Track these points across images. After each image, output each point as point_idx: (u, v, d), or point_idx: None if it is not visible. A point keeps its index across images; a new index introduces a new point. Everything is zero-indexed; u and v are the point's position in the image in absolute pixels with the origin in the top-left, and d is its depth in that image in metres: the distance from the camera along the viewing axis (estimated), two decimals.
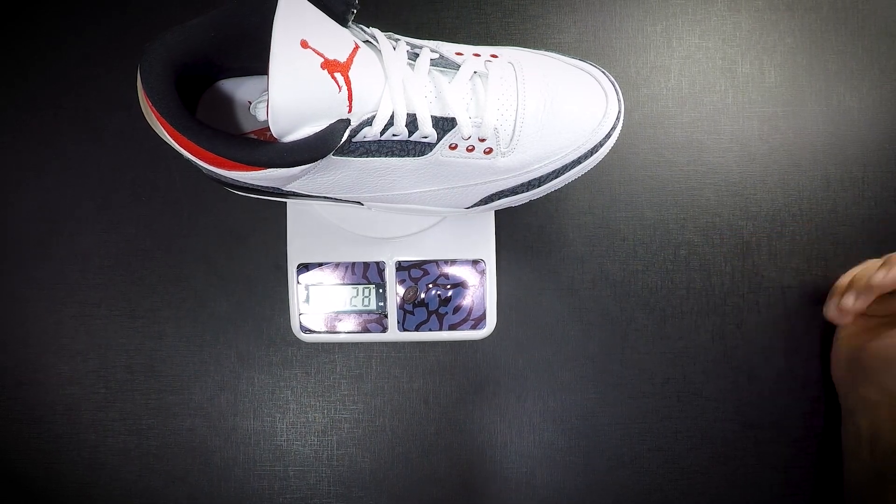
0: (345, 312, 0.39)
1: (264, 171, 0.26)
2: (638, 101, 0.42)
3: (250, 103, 0.32)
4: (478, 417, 0.42)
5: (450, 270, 0.39)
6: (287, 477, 0.42)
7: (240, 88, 0.32)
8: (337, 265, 0.39)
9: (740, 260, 0.42)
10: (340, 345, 0.42)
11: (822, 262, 0.42)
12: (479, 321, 0.39)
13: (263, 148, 0.25)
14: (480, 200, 0.33)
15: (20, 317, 0.42)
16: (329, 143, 0.25)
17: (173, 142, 0.26)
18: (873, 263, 0.38)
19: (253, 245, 0.42)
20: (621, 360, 0.42)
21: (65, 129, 0.41)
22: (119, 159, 0.42)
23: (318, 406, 0.42)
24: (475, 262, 0.39)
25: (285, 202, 0.39)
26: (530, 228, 0.42)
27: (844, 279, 0.39)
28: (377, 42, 0.28)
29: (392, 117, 0.27)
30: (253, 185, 0.30)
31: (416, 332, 0.39)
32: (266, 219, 0.41)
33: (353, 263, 0.39)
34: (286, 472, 0.42)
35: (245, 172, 0.26)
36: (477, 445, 0.42)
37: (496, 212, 0.39)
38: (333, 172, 0.29)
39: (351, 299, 0.39)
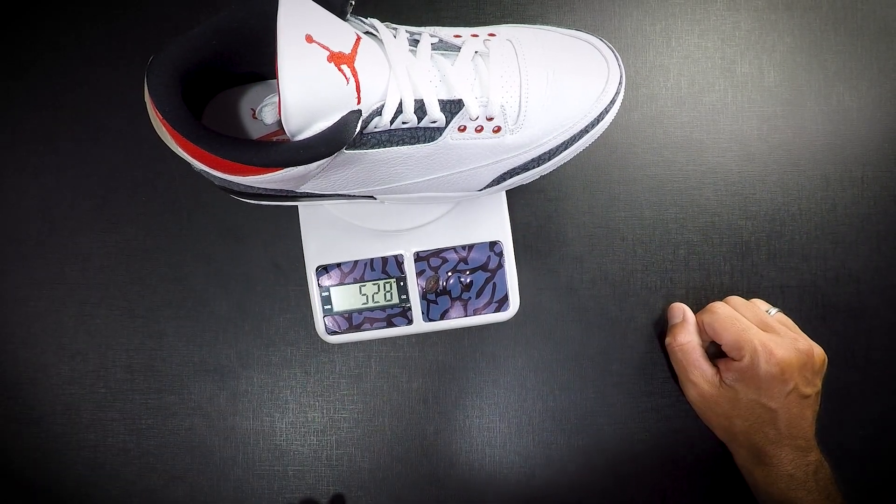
0: (368, 309, 0.39)
1: (281, 171, 0.26)
2: (637, 101, 0.42)
3: (254, 110, 0.32)
4: (477, 417, 0.42)
5: (468, 255, 0.39)
6: (286, 476, 0.42)
7: (240, 98, 0.32)
8: (355, 263, 0.39)
9: (739, 259, 0.42)
10: (339, 345, 0.42)
11: (822, 261, 0.42)
12: (502, 303, 0.39)
13: (280, 147, 0.25)
14: (492, 181, 0.33)
15: (20, 317, 0.42)
16: (344, 134, 0.25)
17: (185, 153, 0.26)
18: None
19: (253, 245, 0.42)
20: (621, 359, 0.42)
21: (65, 129, 0.42)
22: (119, 159, 0.42)
23: (318, 406, 0.42)
24: (492, 244, 0.39)
25: (296, 207, 0.39)
26: (529, 228, 0.42)
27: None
28: (377, 32, 0.28)
29: (400, 105, 0.27)
30: (267, 189, 0.30)
31: (441, 321, 0.39)
32: (266, 218, 0.41)
33: (372, 259, 0.39)
34: (285, 472, 0.42)
35: (261, 176, 0.26)
36: (477, 445, 0.42)
37: None
38: (347, 168, 0.29)
39: (373, 295, 0.39)
